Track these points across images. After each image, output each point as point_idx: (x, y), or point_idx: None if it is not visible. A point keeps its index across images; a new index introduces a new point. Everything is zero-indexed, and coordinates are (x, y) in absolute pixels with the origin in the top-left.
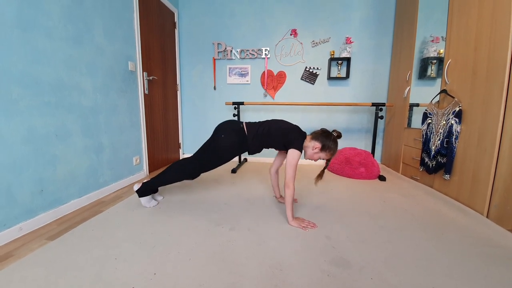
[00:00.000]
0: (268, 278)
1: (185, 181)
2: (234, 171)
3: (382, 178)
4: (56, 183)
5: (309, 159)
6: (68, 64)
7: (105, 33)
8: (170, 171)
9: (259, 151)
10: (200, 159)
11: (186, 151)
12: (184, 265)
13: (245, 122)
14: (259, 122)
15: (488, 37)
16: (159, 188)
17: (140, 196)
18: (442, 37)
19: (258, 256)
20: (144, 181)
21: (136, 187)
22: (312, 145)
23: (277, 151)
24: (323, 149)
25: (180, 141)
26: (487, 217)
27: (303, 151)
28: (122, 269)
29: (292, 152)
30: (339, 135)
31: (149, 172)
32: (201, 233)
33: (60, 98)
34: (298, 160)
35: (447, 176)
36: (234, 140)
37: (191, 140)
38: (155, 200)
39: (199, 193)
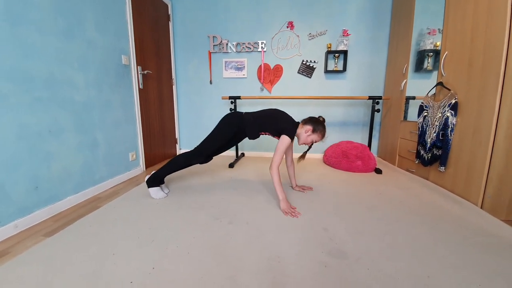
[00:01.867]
0: (266, 270)
1: (183, 174)
2: (231, 165)
3: (378, 171)
4: (51, 180)
5: (304, 144)
6: (59, 58)
7: (97, 26)
8: (178, 157)
9: (256, 135)
10: (204, 140)
11: (183, 147)
12: (182, 259)
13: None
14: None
15: (484, 29)
16: (164, 180)
17: (149, 186)
18: (438, 29)
19: (256, 249)
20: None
21: (147, 177)
22: (304, 130)
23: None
24: (314, 131)
25: (177, 136)
26: (481, 207)
27: (295, 138)
28: (120, 265)
29: (283, 138)
30: (324, 120)
31: (146, 168)
32: (199, 227)
33: (52, 93)
34: (287, 146)
35: (442, 168)
36: (232, 121)
37: (188, 135)
38: (163, 192)
39: (196, 187)
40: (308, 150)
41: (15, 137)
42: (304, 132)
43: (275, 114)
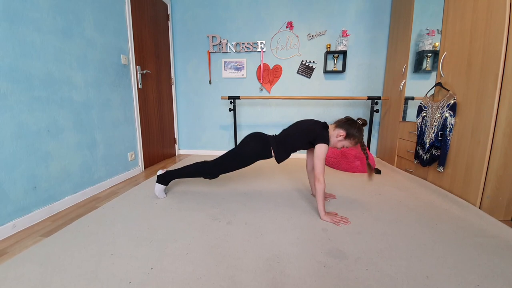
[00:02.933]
0: (266, 270)
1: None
2: None
3: (377, 171)
4: (50, 179)
5: (333, 147)
6: (58, 57)
7: (96, 25)
8: (193, 166)
9: (286, 157)
10: (224, 158)
11: (182, 147)
12: (181, 260)
13: (271, 135)
14: (281, 131)
15: (483, 30)
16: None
17: (158, 181)
18: (437, 30)
19: (255, 249)
20: (168, 169)
21: (160, 172)
22: (336, 133)
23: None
24: (347, 137)
25: (176, 136)
26: (479, 208)
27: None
28: (119, 265)
29: (320, 147)
30: (365, 123)
31: (145, 168)
32: (198, 228)
33: (51, 92)
34: (326, 153)
35: (441, 169)
36: (259, 147)
37: (186, 135)
38: (164, 192)
39: (195, 188)
40: (367, 159)
41: (14, 137)
42: (335, 136)
43: (300, 128)
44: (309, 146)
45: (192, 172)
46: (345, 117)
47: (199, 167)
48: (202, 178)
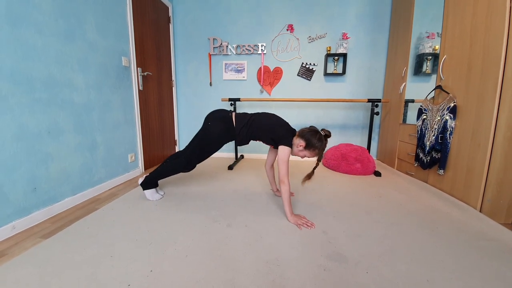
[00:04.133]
0: (265, 273)
1: (182, 176)
2: (230, 167)
3: (377, 174)
4: (50, 181)
5: (295, 155)
6: (60, 60)
7: (98, 28)
8: (166, 163)
9: (246, 142)
10: (191, 148)
11: (182, 148)
12: (180, 262)
13: (234, 112)
14: (249, 113)
15: (483, 33)
16: (158, 183)
17: (144, 188)
18: (437, 33)
19: (255, 252)
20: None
21: (140, 180)
22: (297, 143)
23: (268, 147)
24: (307, 147)
25: (176, 137)
26: (480, 211)
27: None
28: (118, 267)
29: (283, 149)
30: (328, 135)
31: (145, 169)
32: (198, 230)
33: (52, 94)
34: (289, 155)
35: (441, 171)
36: (221, 128)
37: (187, 136)
38: (158, 194)
39: (195, 190)
40: (314, 168)
41: (14, 138)
42: (296, 146)
43: (271, 122)
44: (271, 143)
45: (170, 170)
46: (310, 126)
47: (176, 164)
48: (200, 180)
